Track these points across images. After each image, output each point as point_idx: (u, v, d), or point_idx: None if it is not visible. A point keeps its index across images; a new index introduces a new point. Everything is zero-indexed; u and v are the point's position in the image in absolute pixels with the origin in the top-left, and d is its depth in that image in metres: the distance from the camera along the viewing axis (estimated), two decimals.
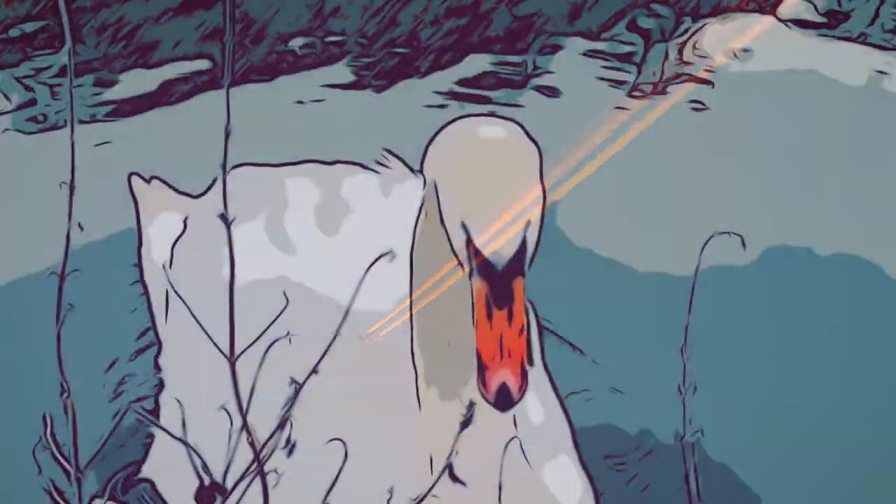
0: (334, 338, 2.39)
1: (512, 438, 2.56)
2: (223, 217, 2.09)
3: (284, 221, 2.89)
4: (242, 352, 2.16)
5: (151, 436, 2.88)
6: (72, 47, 1.58)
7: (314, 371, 2.35)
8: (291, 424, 2.44)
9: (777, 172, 3.72)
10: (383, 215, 2.94)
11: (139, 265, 3.02)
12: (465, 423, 2.44)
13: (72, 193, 1.73)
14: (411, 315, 2.47)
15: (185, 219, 2.95)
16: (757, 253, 3.43)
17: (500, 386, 2.27)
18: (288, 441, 2.58)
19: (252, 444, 2.13)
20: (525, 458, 2.60)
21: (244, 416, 2.13)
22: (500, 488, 2.54)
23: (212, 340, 2.13)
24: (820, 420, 3.19)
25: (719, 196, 3.69)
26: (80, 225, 1.77)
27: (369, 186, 3.00)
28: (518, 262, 2.25)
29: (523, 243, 2.25)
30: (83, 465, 1.91)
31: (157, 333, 2.93)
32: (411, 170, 3.06)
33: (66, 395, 1.84)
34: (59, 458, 1.90)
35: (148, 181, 3.13)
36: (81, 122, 3.80)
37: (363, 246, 2.84)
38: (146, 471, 2.89)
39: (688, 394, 2.54)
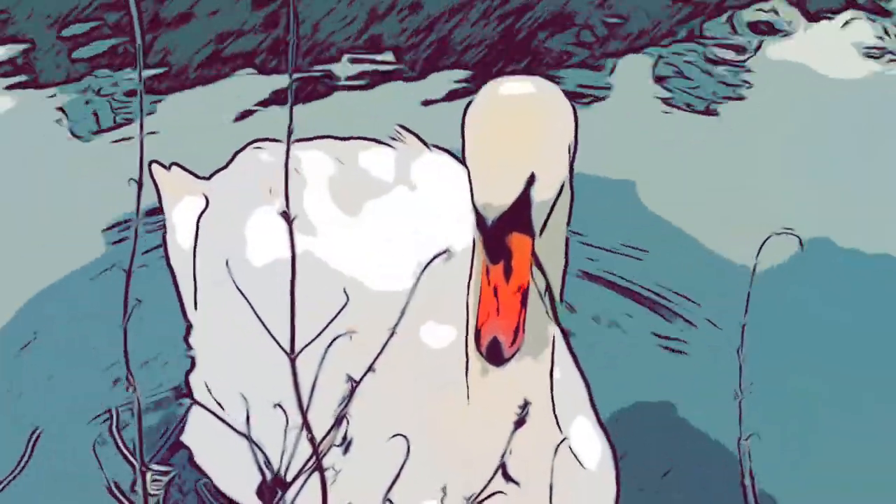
0: (391, 335, 2.39)
1: (563, 440, 2.56)
2: (285, 215, 2.09)
3: (304, 197, 2.90)
4: (303, 348, 2.16)
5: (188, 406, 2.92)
6: (142, 44, 1.59)
7: (371, 369, 2.35)
8: (348, 422, 2.44)
9: (842, 173, 3.71)
10: (402, 190, 2.94)
11: (164, 249, 3.06)
12: (519, 423, 2.43)
13: (140, 190, 1.75)
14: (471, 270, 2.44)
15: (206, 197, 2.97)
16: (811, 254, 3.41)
17: (491, 340, 2.27)
18: (344, 438, 2.59)
19: (311, 440, 2.13)
20: (576, 458, 2.59)
21: (304, 412, 2.14)
22: (550, 489, 2.54)
23: (272, 337, 2.14)
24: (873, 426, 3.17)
25: (777, 194, 3.69)
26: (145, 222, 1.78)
27: (386, 161, 3.00)
28: (516, 219, 2.22)
29: (525, 200, 2.21)
30: (147, 460, 1.92)
31: (185, 314, 2.96)
32: (426, 145, 3.08)
33: (132, 389, 1.86)
34: (125, 452, 1.91)
35: (168, 168, 3.18)
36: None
37: (383, 220, 2.86)
38: (185, 438, 2.92)
39: (745, 395, 2.53)
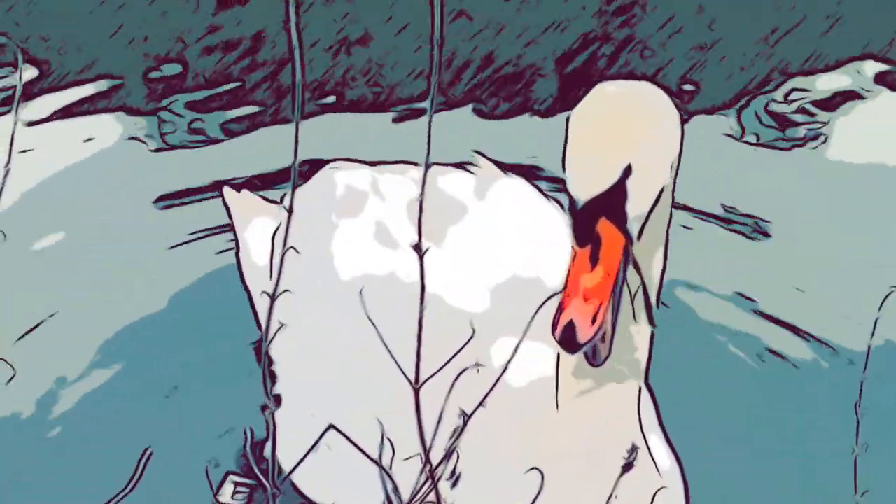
0: (503, 371, 2.40)
1: (660, 489, 2.55)
2: (416, 248, 2.12)
3: (387, 218, 2.95)
4: (427, 379, 2.19)
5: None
6: (302, 79, 1.62)
7: (481, 404, 2.36)
8: (458, 455, 2.46)
9: None
10: (479, 214, 2.98)
11: (238, 268, 3.15)
12: (627, 467, 2.43)
13: (290, 215, 1.79)
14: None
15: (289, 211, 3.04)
16: None
17: (567, 324, 2.23)
18: (453, 472, 2.61)
19: (431, 474, 2.15)
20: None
21: (424, 443, 2.16)
22: None
23: (398, 367, 2.16)
24: None
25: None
26: (294, 248, 1.83)
27: (464, 185, 3.05)
28: (606, 205, 2.21)
29: (619, 188, 2.21)
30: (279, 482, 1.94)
31: (259, 327, 3.01)
32: (503, 170, 3.13)
33: (268, 411, 1.89)
34: (258, 473, 1.94)
35: (238, 191, 3.28)
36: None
37: (460, 243, 2.90)
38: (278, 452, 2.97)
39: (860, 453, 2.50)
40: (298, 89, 1.62)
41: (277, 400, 2.92)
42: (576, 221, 2.23)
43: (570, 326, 2.23)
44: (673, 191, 2.34)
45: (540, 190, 3.13)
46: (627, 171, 2.21)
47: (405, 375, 2.19)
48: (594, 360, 2.36)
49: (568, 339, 2.24)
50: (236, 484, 2.92)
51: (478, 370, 2.24)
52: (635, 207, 2.24)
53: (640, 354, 2.49)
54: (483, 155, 3.16)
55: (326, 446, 2.51)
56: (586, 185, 2.21)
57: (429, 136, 2.09)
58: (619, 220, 2.23)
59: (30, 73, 4.13)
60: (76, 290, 3.57)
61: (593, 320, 2.23)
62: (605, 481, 2.41)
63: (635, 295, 2.39)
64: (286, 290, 1.93)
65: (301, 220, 2.97)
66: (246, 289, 3.12)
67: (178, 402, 3.29)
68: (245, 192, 3.32)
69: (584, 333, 2.23)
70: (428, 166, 2.10)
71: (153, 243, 3.68)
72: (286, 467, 2.84)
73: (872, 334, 2.50)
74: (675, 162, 2.30)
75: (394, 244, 2.90)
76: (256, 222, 3.20)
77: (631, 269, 2.32)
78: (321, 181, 3.13)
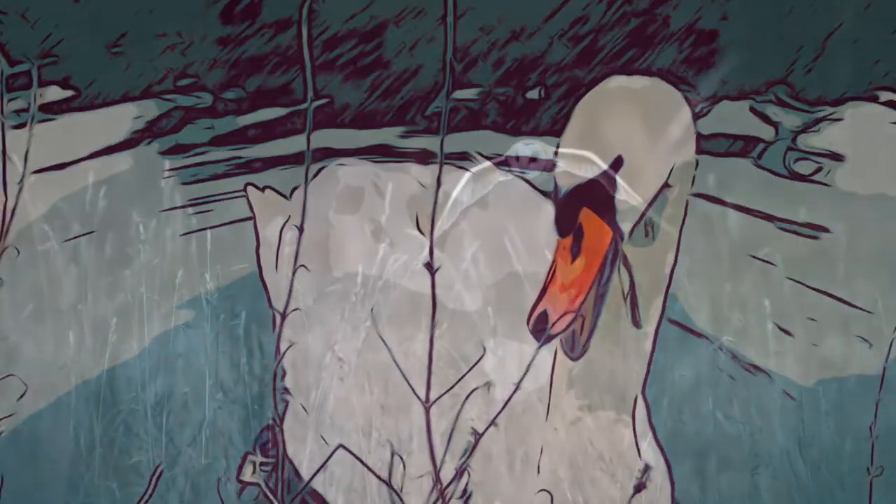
0: (516, 389, 2.39)
1: None
2: (428, 266, 2.12)
3: (383, 215, 2.98)
4: (438, 398, 2.18)
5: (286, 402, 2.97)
6: (312, 97, 1.62)
7: (493, 423, 2.36)
8: (469, 474, 2.45)
9: None
10: (475, 212, 3.00)
11: (258, 264, 3.18)
12: (639, 487, 2.41)
13: (300, 235, 1.78)
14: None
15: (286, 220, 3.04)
16: None
17: (540, 314, 2.23)
18: (465, 491, 2.59)
19: (442, 494, 2.14)
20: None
21: (434, 461, 2.15)
22: None
23: (409, 385, 2.15)
24: None
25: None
26: (305, 266, 1.82)
27: (463, 184, 3.07)
28: (592, 197, 2.21)
29: (607, 180, 2.21)
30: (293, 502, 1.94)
31: (276, 322, 3.03)
32: (501, 170, 3.14)
33: (276, 427, 1.88)
34: (265, 490, 1.93)
35: (262, 190, 3.31)
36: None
37: (456, 240, 2.90)
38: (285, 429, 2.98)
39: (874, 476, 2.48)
40: (310, 112, 1.62)
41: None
42: (557, 209, 2.23)
43: (543, 317, 2.23)
44: (688, 196, 2.33)
45: (537, 189, 3.16)
46: (619, 164, 2.21)
47: (416, 394, 2.18)
48: (571, 352, 2.35)
49: (540, 330, 2.24)
50: (257, 461, 2.95)
51: (488, 389, 2.23)
52: (625, 202, 2.23)
53: (639, 362, 2.47)
54: (481, 154, 3.19)
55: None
56: (569, 174, 2.21)
57: (441, 161, 2.09)
58: (607, 213, 2.22)
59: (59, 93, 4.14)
60: (80, 297, 3.58)
61: (567, 312, 2.23)
62: (600, 487, 2.40)
63: (627, 295, 2.38)
64: (296, 309, 1.92)
65: (306, 215, 3.00)
66: (263, 283, 3.15)
67: (187, 416, 3.29)
68: (268, 190, 3.37)
69: (554, 327, 2.24)
70: (439, 184, 2.09)
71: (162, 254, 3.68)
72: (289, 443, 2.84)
73: (887, 356, 2.48)
74: (686, 165, 2.29)
75: (387, 239, 2.94)
76: (277, 220, 3.25)
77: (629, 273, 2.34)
78: (325, 177, 3.18)
